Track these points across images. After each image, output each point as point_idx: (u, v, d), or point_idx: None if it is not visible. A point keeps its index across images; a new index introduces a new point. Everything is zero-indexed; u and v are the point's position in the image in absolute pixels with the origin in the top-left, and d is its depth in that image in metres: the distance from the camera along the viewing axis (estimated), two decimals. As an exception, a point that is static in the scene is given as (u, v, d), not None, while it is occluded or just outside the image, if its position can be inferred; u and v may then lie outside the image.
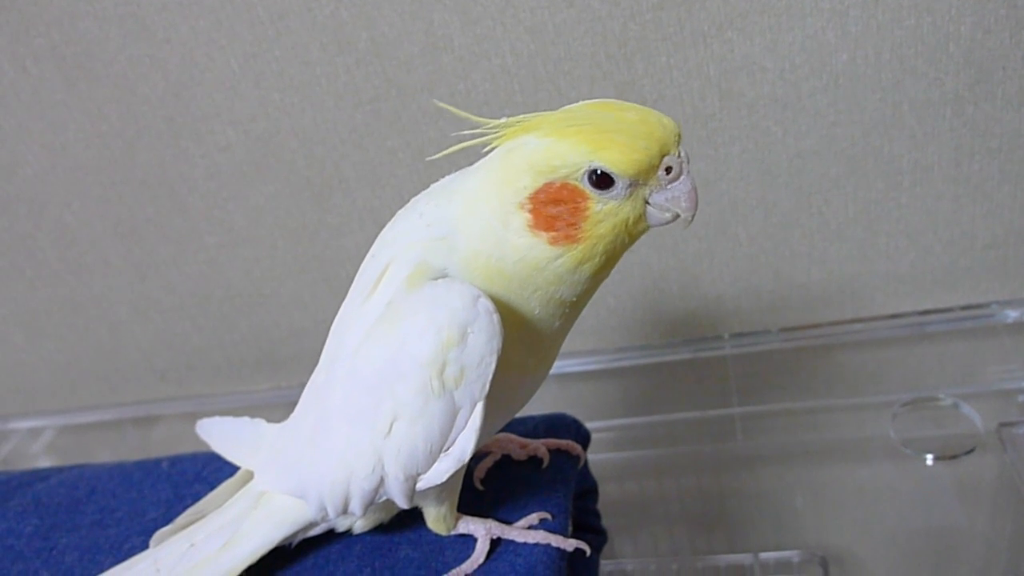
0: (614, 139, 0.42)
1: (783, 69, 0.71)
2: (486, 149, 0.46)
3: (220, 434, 0.60)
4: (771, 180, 0.77)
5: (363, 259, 0.49)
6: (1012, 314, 0.80)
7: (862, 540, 0.85)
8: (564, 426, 0.62)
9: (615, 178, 0.42)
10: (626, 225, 0.44)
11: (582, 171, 0.42)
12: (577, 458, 0.59)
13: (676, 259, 0.82)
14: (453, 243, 0.45)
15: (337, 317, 0.51)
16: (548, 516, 0.53)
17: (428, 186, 0.50)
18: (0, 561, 0.62)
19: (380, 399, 0.45)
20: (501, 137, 0.45)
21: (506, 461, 0.58)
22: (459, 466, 0.47)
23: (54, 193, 0.90)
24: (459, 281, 0.44)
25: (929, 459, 0.73)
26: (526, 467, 0.57)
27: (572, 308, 0.47)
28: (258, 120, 0.81)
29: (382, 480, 0.47)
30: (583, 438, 0.62)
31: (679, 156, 0.43)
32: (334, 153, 0.82)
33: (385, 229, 0.50)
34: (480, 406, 0.45)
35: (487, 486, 0.56)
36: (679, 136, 0.44)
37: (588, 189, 0.43)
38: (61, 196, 0.90)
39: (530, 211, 0.43)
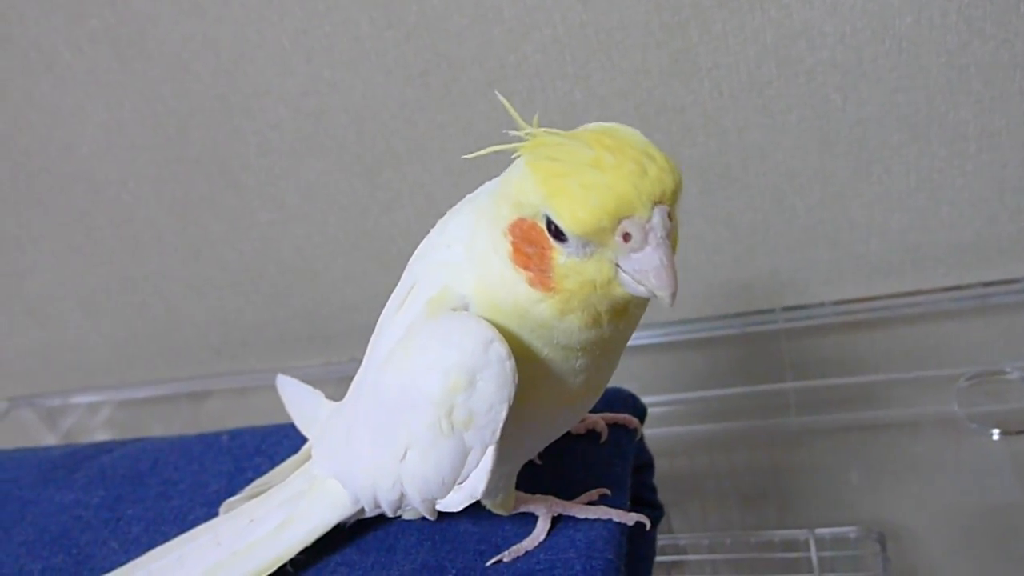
0: (568, 188, 0.36)
1: (843, 33, 0.69)
2: (514, 156, 0.40)
3: (293, 395, 0.60)
4: (829, 149, 0.75)
5: (413, 235, 0.48)
6: (1081, 285, 0.77)
7: (921, 516, 0.84)
8: (621, 400, 0.61)
9: (566, 234, 0.37)
10: (595, 286, 0.38)
11: (541, 215, 0.37)
12: (634, 432, 0.58)
13: (730, 231, 0.81)
14: (463, 269, 0.43)
15: (382, 315, 0.50)
16: (607, 491, 0.53)
17: (478, 161, 0.49)
18: (70, 531, 0.64)
19: (396, 425, 0.44)
20: (522, 148, 0.39)
21: (564, 435, 0.57)
22: (472, 501, 0.45)
23: (110, 172, 0.91)
24: (475, 319, 0.41)
25: (995, 434, 0.71)
26: (584, 441, 0.57)
27: (586, 352, 0.42)
28: (309, 96, 0.81)
29: (403, 495, 0.47)
30: (640, 412, 0.61)
31: (647, 220, 0.36)
32: (384, 128, 0.82)
33: (425, 239, 0.48)
34: (491, 450, 0.42)
35: (545, 460, 0.56)
36: (664, 193, 0.36)
37: (549, 237, 0.38)
38: (117, 175, 0.91)
39: (511, 243, 0.39)
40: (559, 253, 0.38)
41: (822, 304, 0.84)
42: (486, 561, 0.50)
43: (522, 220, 0.38)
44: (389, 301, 0.49)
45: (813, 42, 0.70)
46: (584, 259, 0.37)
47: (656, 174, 0.36)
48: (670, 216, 0.37)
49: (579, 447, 0.57)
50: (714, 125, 0.75)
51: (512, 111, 0.39)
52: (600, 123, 0.39)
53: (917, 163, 0.74)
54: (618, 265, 0.37)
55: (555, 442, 0.57)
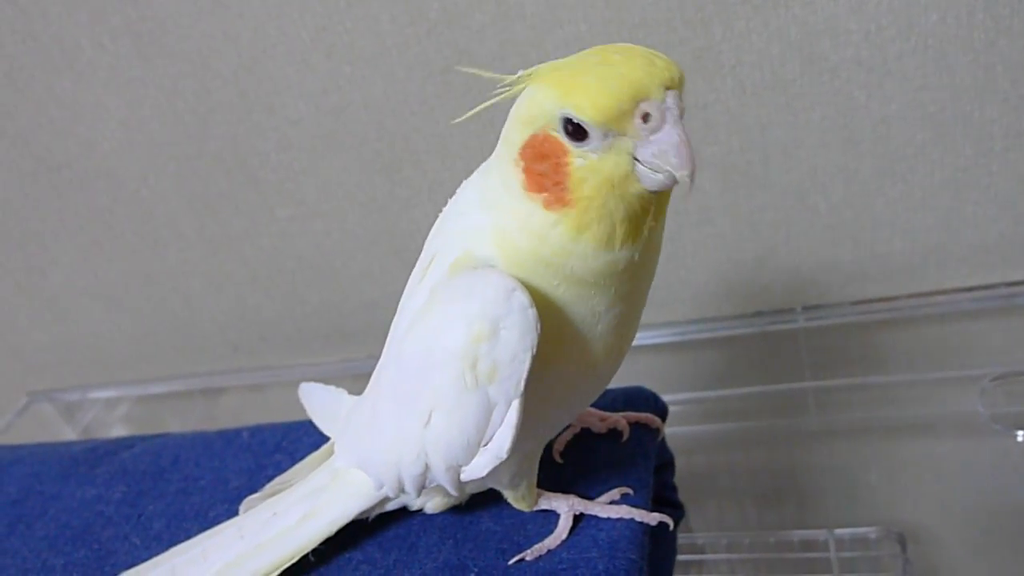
0: (583, 82, 0.38)
1: (868, 31, 0.68)
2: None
3: (316, 400, 0.60)
4: (853, 147, 0.74)
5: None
6: (1108, 285, 0.76)
7: (942, 518, 0.83)
8: (643, 399, 0.61)
9: (586, 127, 0.38)
10: (612, 185, 0.39)
11: (557, 119, 0.39)
12: (656, 431, 0.58)
13: (751, 229, 0.81)
14: (484, 226, 0.43)
15: (402, 296, 0.50)
16: (629, 491, 0.52)
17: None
18: (91, 526, 0.64)
19: (420, 387, 0.44)
20: (511, 91, 0.41)
21: (586, 434, 0.57)
22: (497, 462, 0.45)
23: (131, 168, 0.91)
24: (496, 271, 0.41)
25: (1020, 435, 0.70)
26: (606, 440, 0.57)
27: (603, 288, 0.42)
28: (329, 93, 0.81)
29: (427, 467, 0.47)
30: (661, 411, 0.61)
31: (662, 101, 0.37)
32: (404, 125, 0.81)
33: (440, 215, 0.49)
34: (516, 404, 0.42)
35: (567, 459, 0.56)
36: (674, 79, 0.38)
37: (565, 140, 0.39)
38: (137, 171, 0.91)
39: (523, 169, 0.40)
40: (575, 156, 0.39)
41: (842, 304, 0.83)
42: (508, 560, 0.50)
43: (534, 136, 0.40)
44: (408, 283, 0.49)
45: (837, 39, 0.69)
46: (602, 155, 0.38)
47: (663, 64, 0.38)
48: None
49: (601, 446, 0.56)
50: (737, 123, 0.74)
51: (481, 72, 0.42)
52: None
53: (942, 162, 0.74)
54: (635, 159, 0.39)
55: (577, 441, 0.57)
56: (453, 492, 0.49)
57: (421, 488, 0.49)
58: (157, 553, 0.56)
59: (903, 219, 0.77)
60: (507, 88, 0.41)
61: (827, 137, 0.74)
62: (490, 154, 0.44)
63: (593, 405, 0.58)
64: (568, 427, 0.57)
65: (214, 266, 0.97)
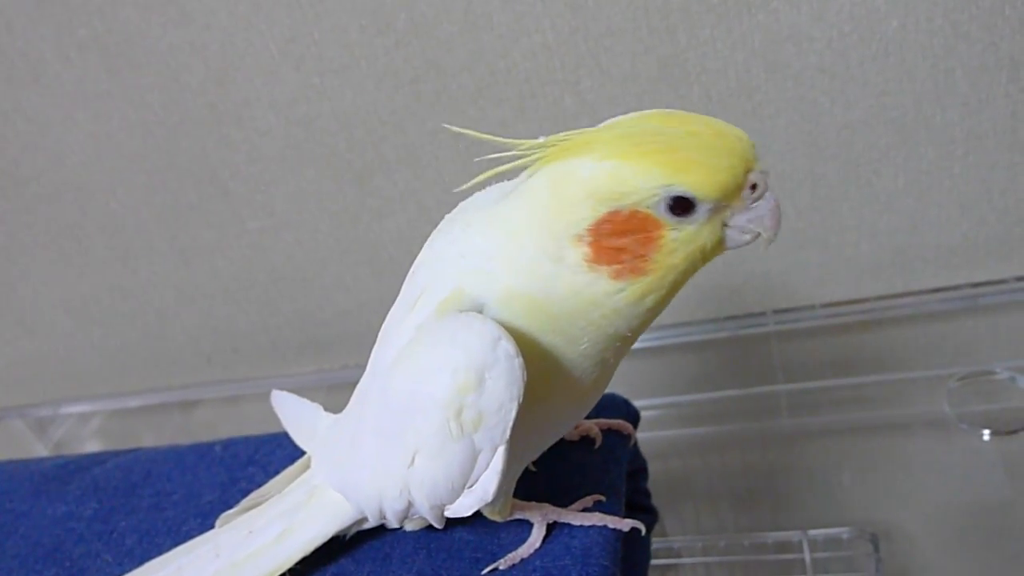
0: (693, 159, 0.38)
1: (831, 38, 0.69)
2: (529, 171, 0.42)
3: (289, 410, 0.59)
4: (818, 152, 0.75)
5: (405, 241, 0.48)
6: (1069, 285, 0.78)
7: (913, 517, 0.84)
8: (614, 405, 0.61)
9: (696, 203, 0.38)
10: (703, 252, 0.40)
11: (657, 198, 0.38)
12: (628, 437, 0.58)
13: (721, 235, 0.81)
14: (491, 276, 0.42)
15: (384, 323, 0.49)
16: (601, 498, 0.53)
17: (470, 168, 0.49)
18: (62, 543, 0.63)
19: (404, 429, 0.44)
20: (543, 159, 0.40)
21: (558, 442, 0.57)
22: (482, 504, 0.45)
23: (99, 181, 0.91)
24: (480, 318, 0.41)
25: (986, 434, 0.71)
26: (578, 448, 0.57)
27: (624, 343, 0.43)
28: (298, 104, 0.81)
29: (411, 503, 0.47)
30: (633, 417, 0.61)
31: (762, 171, 0.39)
32: (374, 135, 0.81)
33: (425, 246, 0.48)
34: (502, 450, 0.42)
35: (539, 467, 0.56)
36: (754, 147, 0.39)
37: (663, 217, 0.38)
38: (106, 184, 0.91)
39: (589, 244, 0.39)
40: (671, 230, 0.39)
41: (813, 306, 0.84)
42: (482, 570, 0.50)
43: (615, 213, 0.39)
44: (392, 310, 0.48)
45: (801, 46, 0.70)
46: (701, 226, 0.39)
47: (742, 134, 0.39)
48: None
49: (573, 454, 0.57)
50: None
51: (482, 136, 0.42)
52: (633, 113, 0.41)
53: (905, 165, 0.75)
54: (725, 224, 0.40)
55: (549, 449, 0.57)
56: (438, 525, 0.49)
57: (403, 519, 0.49)
58: (130, 570, 0.56)
59: (869, 222, 0.78)
60: (528, 153, 0.41)
61: (793, 143, 0.75)
62: (459, 162, 0.44)
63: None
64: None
65: (185, 278, 0.97)
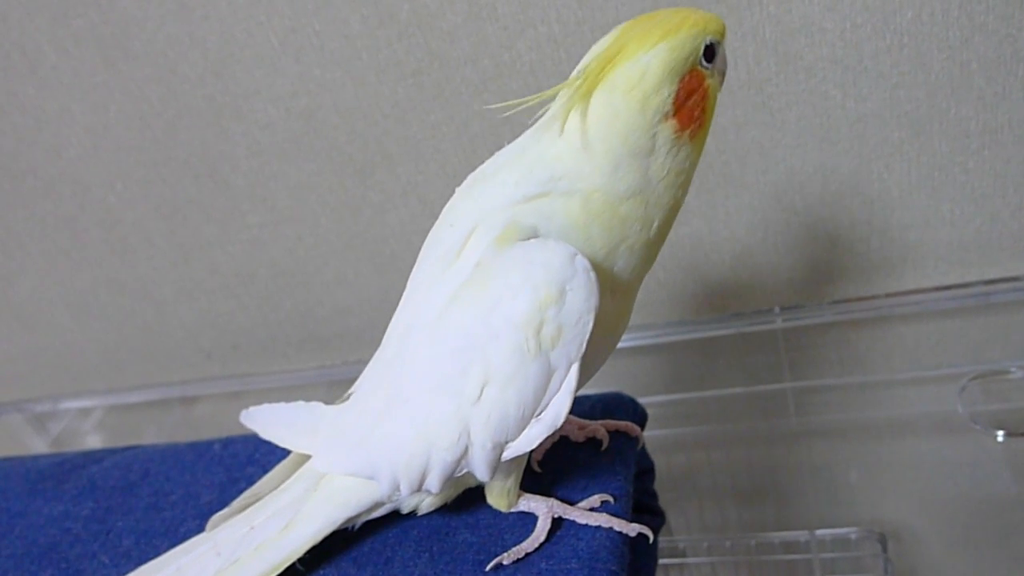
0: (699, 16, 0.44)
1: (843, 29, 0.68)
2: (543, 112, 0.45)
3: (268, 421, 0.57)
4: (830, 146, 0.74)
5: (407, 236, 0.47)
6: (1084, 282, 0.77)
7: (922, 517, 0.83)
8: (621, 406, 0.60)
9: (716, 46, 0.44)
10: (715, 96, 0.46)
11: (700, 52, 0.44)
12: (636, 439, 0.57)
13: (728, 230, 0.80)
14: (552, 201, 0.45)
15: (405, 294, 0.49)
16: (610, 498, 0.52)
17: (473, 160, 0.48)
18: (59, 544, 0.62)
19: (469, 363, 0.44)
20: (582, 86, 0.44)
21: (564, 443, 0.56)
22: (551, 431, 0.45)
23: (97, 175, 0.89)
24: (553, 239, 0.44)
25: (1000, 435, 0.70)
26: (585, 449, 0.56)
27: (660, 229, 0.47)
28: (299, 96, 0.79)
29: (466, 450, 0.46)
30: (640, 418, 0.60)
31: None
32: (376, 128, 0.80)
33: (454, 201, 0.48)
34: (575, 367, 0.44)
35: (545, 468, 0.55)
36: None
37: (705, 68, 0.44)
38: (104, 178, 0.89)
39: (675, 116, 0.44)
40: (710, 76, 0.45)
41: (821, 303, 0.83)
42: (484, 570, 0.49)
43: (683, 80, 0.43)
44: (416, 273, 0.48)
45: (813, 38, 0.68)
46: (714, 71, 0.45)
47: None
48: None
49: (580, 455, 0.56)
50: (712, 122, 0.73)
51: (522, 102, 0.44)
52: (590, 50, 0.46)
53: (918, 160, 0.73)
54: None
55: (555, 450, 0.56)
56: (485, 478, 0.48)
57: (448, 480, 0.48)
58: (126, 571, 0.55)
59: (880, 218, 0.77)
60: (568, 85, 0.44)
61: (803, 136, 0.74)
62: (462, 155, 0.43)
63: (572, 412, 0.57)
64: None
65: (185, 273, 0.96)
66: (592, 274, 0.43)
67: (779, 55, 0.70)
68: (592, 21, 0.70)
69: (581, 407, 0.59)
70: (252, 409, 0.57)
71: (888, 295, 0.81)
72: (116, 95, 0.83)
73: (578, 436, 0.56)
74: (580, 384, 0.49)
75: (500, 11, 0.71)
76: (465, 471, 0.47)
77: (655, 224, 0.46)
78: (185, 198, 0.89)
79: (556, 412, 0.45)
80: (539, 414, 0.45)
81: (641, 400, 0.62)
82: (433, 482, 0.47)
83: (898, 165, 0.74)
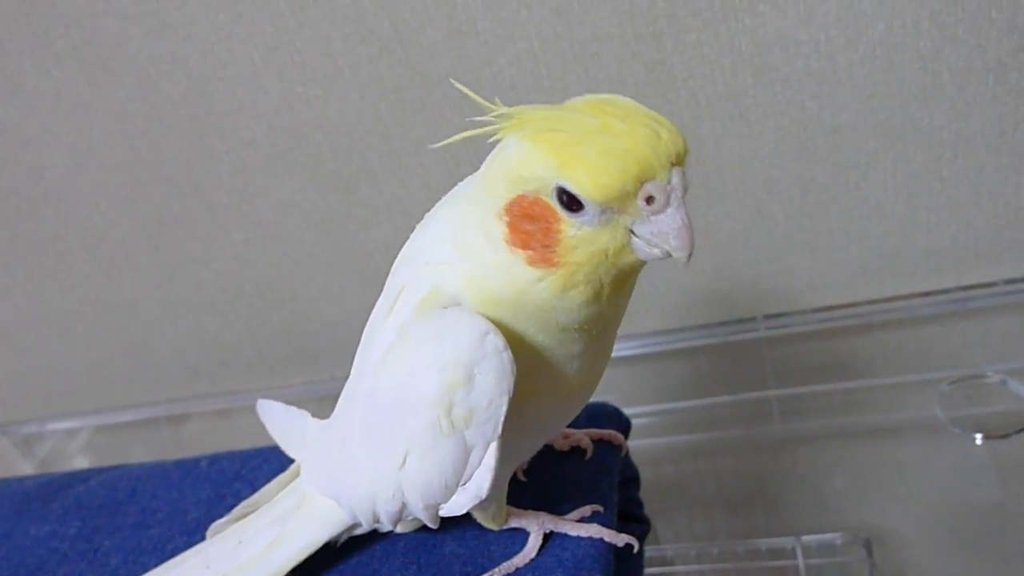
0: (584, 155, 0.35)
1: (818, 41, 0.69)
2: (492, 139, 0.40)
3: (275, 419, 0.59)
4: (807, 156, 0.75)
5: (391, 250, 0.47)
6: (1059, 287, 0.78)
7: (906, 521, 0.84)
8: (605, 415, 0.61)
9: (584, 203, 0.36)
10: (605, 255, 0.38)
11: (551, 188, 0.37)
12: (619, 448, 0.58)
13: (710, 240, 0.81)
14: (455, 266, 0.41)
15: (368, 323, 0.49)
16: (600, 508, 0.52)
17: (456, 175, 0.48)
18: (46, 564, 0.62)
19: (394, 429, 0.43)
20: (502, 129, 0.39)
21: (548, 452, 0.57)
22: (477, 502, 0.44)
23: (81, 194, 0.89)
24: (468, 313, 0.40)
25: (979, 438, 0.71)
26: (569, 458, 0.56)
27: (584, 333, 0.41)
28: (282, 113, 0.80)
29: (404, 504, 0.46)
30: (624, 426, 0.61)
31: (668, 183, 0.36)
32: (359, 144, 0.81)
33: (407, 243, 0.47)
34: (494, 446, 0.42)
35: (531, 478, 0.55)
36: (679, 156, 0.36)
37: (559, 209, 0.37)
38: (88, 197, 0.90)
39: (507, 224, 0.38)
40: (569, 225, 0.37)
41: (803, 311, 0.84)
42: (472, 584, 0.49)
43: (522, 197, 0.38)
44: (375, 310, 0.48)
45: (788, 50, 0.70)
46: (598, 228, 0.37)
47: (668, 136, 0.36)
48: None
49: (564, 464, 0.56)
50: (691, 135, 0.73)
51: (476, 97, 0.39)
52: (591, 95, 0.38)
53: (894, 169, 0.75)
54: (631, 232, 0.37)
55: (540, 459, 0.56)
56: (432, 525, 0.48)
57: (397, 521, 0.48)
58: (113, 590, 0.55)
59: (858, 226, 0.78)
60: (488, 122, 0.39)
61: (781, 147, 0.75)
62: (445, 170, 0.43)
63: (557, 423, 0.57)
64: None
65: (170, 291, 0.96)
66: (506, 355, 0.39)
67: (755, 67, 0.71)
68: (571, 36, 0.71)
69: (566, 417, 0.60)
70: (265, 401, 0.59)
71: (868, 302, 0.82)
72: (99, 114, 0.83)
73: (562, 445, 0.57)
74: (536, 445, 0.49)
75: (480, 27, 0.72)
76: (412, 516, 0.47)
77: (540, 332, 0.41)
78: (170, 216, 0.89)
79: (478, 486, 0.43)
80: (464, 484, 0.44)
81: (627, 411, 0.63)
82: (384, 522, 0.48)
83: (874, 174, 0.75)
